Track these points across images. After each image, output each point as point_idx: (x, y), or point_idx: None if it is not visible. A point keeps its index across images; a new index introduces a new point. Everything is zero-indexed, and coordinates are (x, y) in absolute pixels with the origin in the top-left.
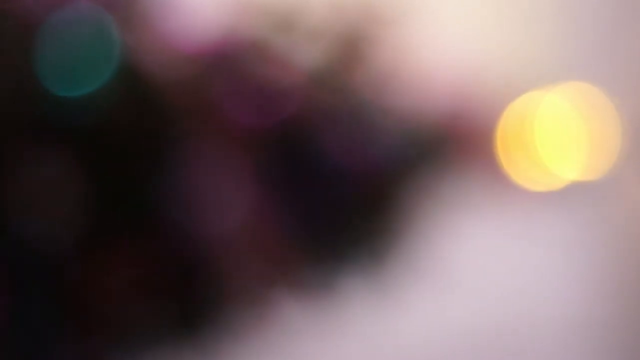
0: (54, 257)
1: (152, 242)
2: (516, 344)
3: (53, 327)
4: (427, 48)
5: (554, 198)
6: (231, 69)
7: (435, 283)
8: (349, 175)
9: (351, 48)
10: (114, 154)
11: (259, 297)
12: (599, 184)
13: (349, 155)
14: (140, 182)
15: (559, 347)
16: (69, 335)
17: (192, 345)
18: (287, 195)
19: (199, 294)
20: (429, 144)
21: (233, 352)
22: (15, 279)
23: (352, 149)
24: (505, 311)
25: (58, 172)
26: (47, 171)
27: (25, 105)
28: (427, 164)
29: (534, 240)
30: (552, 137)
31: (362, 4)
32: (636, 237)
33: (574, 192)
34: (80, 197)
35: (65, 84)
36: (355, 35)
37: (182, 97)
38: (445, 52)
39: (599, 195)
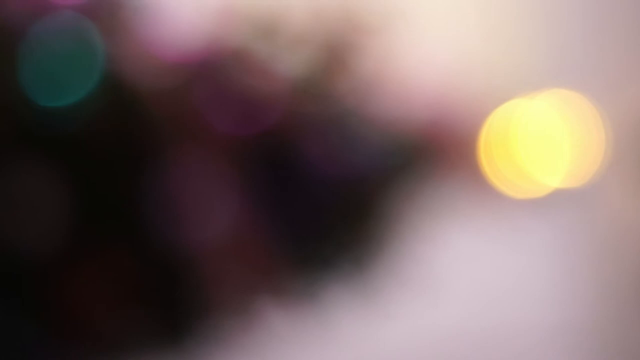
0: (38, 265)
1: (136, 249)
2: (500, 349)
3: (37, 335)
4: (410, 55)
5: (537, 205)
6: (214, 77)
7: (419, 290)
8: (332, 183)
9: (334, 56)
10: (97, 163)
11: (243, 305)
12: (583, 191)
13: (332, 163)
14: (124, 191)
15: (543, 352)
16: (52, 343)
17: (176, 353)
18: (270, 203)
19: (183, 301)
20: (413, 151)
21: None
22: None
23: (335, 156)
24: (490, 317)
25: (41, 181)
26: (30, 180)
27: (9, 114)
28: (410, 172)
29: (517, 247)
30: (535, 144)
31: (344, 11)
32: (619, 243)
33: (558, 199)
34: (63, 206)
35: (49, 94)
36: (338, 43)
37: (166, 105)
38: (428, 60)
39: (582, 202)
